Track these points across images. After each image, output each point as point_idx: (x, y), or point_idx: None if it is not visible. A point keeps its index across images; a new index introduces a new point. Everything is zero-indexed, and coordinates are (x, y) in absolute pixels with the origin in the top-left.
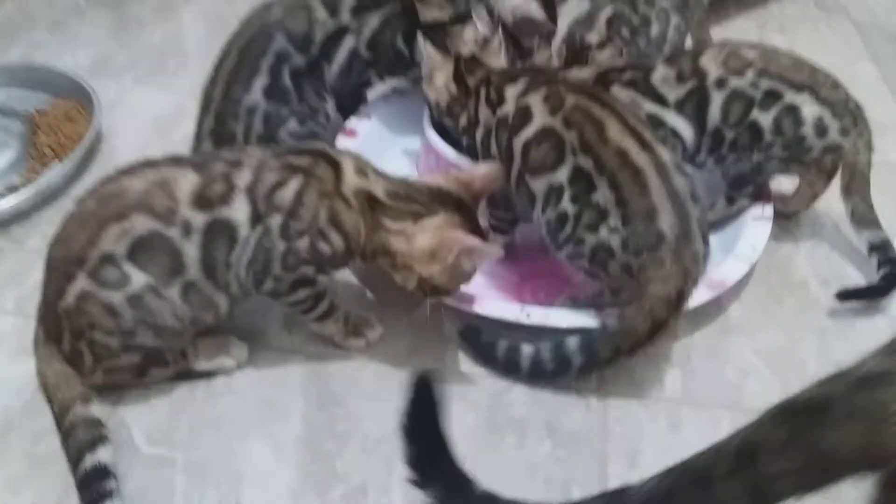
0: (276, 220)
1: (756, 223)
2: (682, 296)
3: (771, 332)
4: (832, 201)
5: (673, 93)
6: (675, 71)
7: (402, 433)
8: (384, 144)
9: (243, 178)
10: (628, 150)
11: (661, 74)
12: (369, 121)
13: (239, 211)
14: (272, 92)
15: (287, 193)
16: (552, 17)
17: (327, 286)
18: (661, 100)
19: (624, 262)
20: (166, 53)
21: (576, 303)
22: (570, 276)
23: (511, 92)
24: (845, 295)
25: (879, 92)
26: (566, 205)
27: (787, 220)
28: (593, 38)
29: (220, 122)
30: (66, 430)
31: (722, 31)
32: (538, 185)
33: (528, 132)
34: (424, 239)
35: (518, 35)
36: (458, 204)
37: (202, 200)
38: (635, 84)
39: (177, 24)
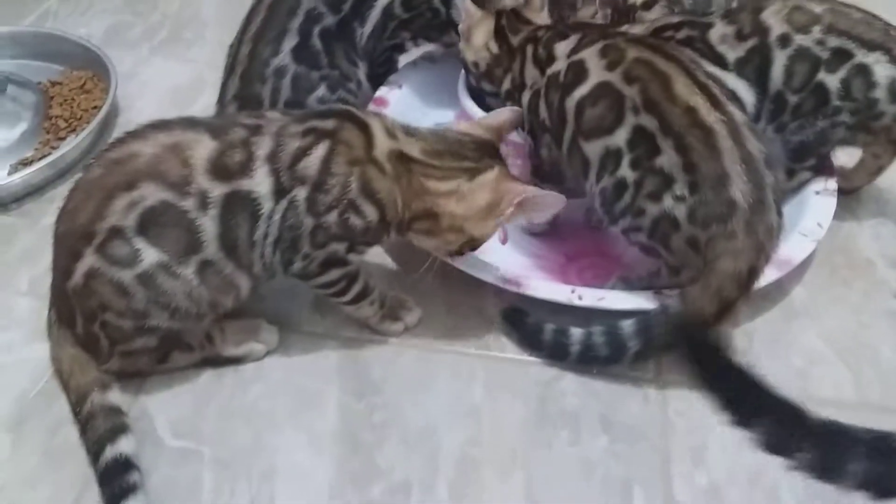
0: (301, 193)
1: (820, 198)
2: (754, 273)
3: (838, 316)
4: (894, 176)
5: (732, 52)
6: (734, 28)
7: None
8: (416, 115)
9: (264, 145)
10: (698, 108)
11: (719, 32)
12: (400, 90)
13: (261, 183)
14: (302, 54)
15: (312, 162)
16: None
17: (360, 266)
18: (719, 60)
19: (690, 234)
20: (183, 23)
21: (628, 284)
22: (619, 254)
23: (562, 48)
24: None
25: None
26: (625, 171)
27: (847, 196)
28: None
29: (245, 84)
30: (84, 420)
31: None
32: (593, 149)
33: (583, 90)
34: (483, 196)
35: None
36: (498, 152)
37: (220, 169)
38: (692, 42)
39: None
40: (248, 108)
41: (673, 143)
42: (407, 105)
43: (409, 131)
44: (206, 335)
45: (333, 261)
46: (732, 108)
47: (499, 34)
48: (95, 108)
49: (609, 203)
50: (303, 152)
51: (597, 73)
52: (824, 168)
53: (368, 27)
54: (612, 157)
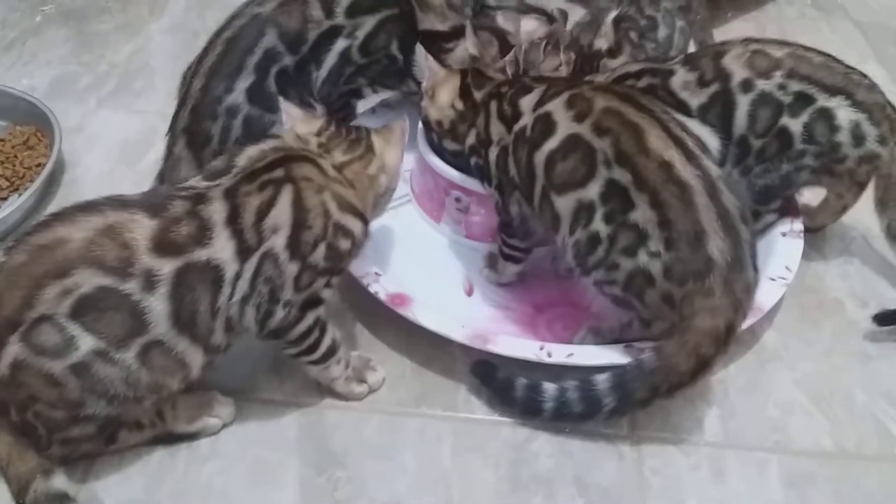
0: (278, 242)
1: (787, 240)
2: (731, 331)
3: (810, 360)
4: (858, 213)
5: (695, 98)
6: (696, 74)
7: None
8: None
9: (216, 210)
10: (673, 163)
11: (681, 78)
12: None
13: (223, 248)
14: (256, 94)
15: (281, 209)
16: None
17: (328, 317)
18: (682, 107)
19: (665, 290)
20: (132, 72)
21: (598, 334)
22: (589, 304)
23: (527, 102)
24: (884, 318)
25: (891, 94)
26: (598, 225)
27: (813, 235)
28: (601, 43)
29: (196, 119)
30: None
31: (720, 36)
32: (564, 203)
33: (552, 143)
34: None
35: (527, 60)
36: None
37: (167, 245)
38: (653, 90)
39: (143, 40)
40: (197, 144)
41: (647, 198)
42: None
43: (323, 137)
44: (156, 412)
45: (312, 301)
46: (707, 163)
47: (464, 92)
48: (39, 165)
49: (582, 256)
50: (267, 206)
51: (565, 125)
52: (790, 209)
53: (324, 71)
54: (584, 211)
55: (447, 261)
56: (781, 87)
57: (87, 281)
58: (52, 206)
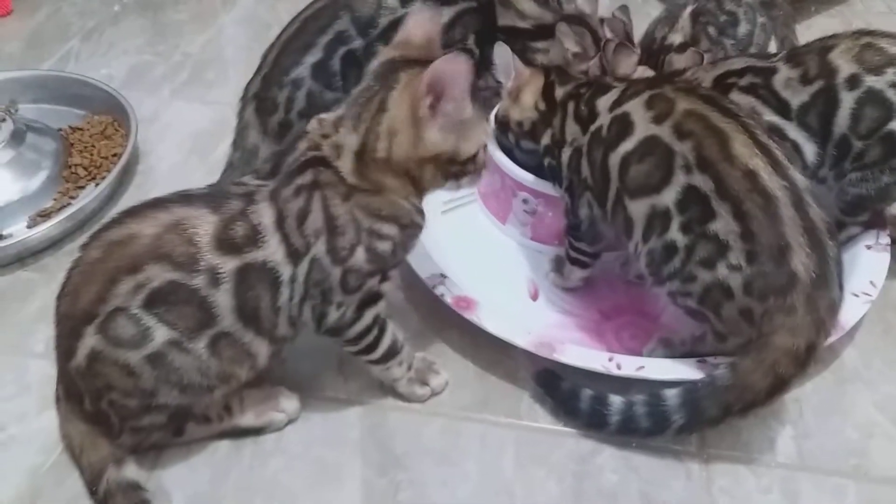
0: (320, 248)
1: (872, 253)
2: (812, 351)
3: (893, 380)
4: None
5: (797, 97)
6: (799, 71)
7: None
8: None
9: (265, 214)
10: (758, 172)
11: (783, 76)
12: None
13: (275, 252)
14: (320, 71)
15: (316, 216)
16: None
17: (389, 317)
18: (783, 107)
19: (744, 305)
20: (205, 63)
21: (669, 347)
22: (659, 313)
23: (604, 102)
24: None
25: None
26: (675, 234)
27: None
28: (676, 37)
29: (265, 86)
30: (102, 499)
31: (803, 32)
32: (638, 208)
33: (628, 145)
34: (402, 108)
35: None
36: (413, 62)
37: (227, 244)
38: (755, 89)
39: (216, 31)
40: (265, 110)
41: (730, 208)
42: None
43: (338, 124)
44: (224, 406)
45: (368, 299)
46: (794, 173)
47: (547, 92)
48: (115, 155)
49: (656, 265)
50: (304, 211)
51: (643, 126)
52: (877, 220)
53: None
54: (659, 218)
55: (512, 263)
56: (893, 85)
57: (158, 275)
58: (127, 196)
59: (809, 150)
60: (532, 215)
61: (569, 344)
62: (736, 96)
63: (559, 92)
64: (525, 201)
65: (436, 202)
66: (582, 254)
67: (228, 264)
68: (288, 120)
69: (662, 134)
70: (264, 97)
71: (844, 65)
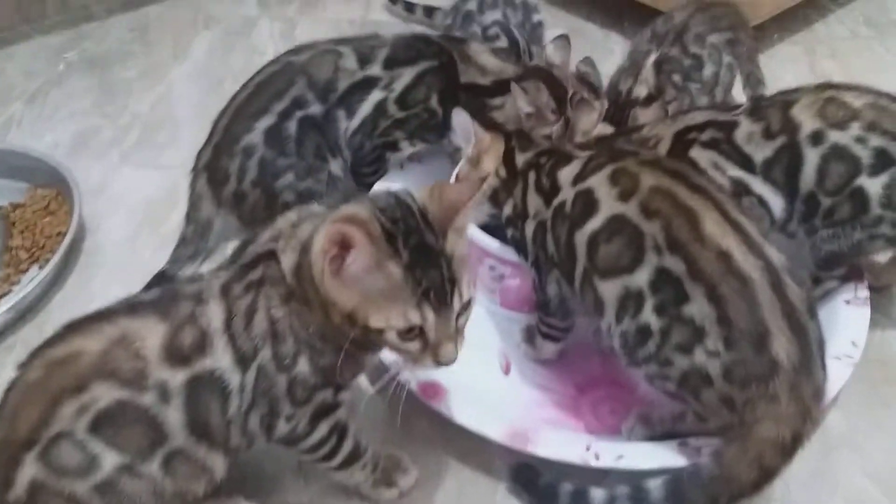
0: (266, 354)
1: (851, 308)
2: (798, 440)
3: (882, 445)
4: None
5: (760, 152)
6: (762, 125)
7: None
8: None
9: (214, 314)
10: (731, 253)
11: (746, 130)
12: None
13: (221, 358)
14: (273, 136)
15: (261, 317)
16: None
17: (349, 419)
18: (747, 162)
19: (725, 393)
20: (156, 123)
21: (649, 424)
22: (636, 384)
23: (566, 175)
24: None
25: None
26: (649, 317)
27: (878, 294)
28: (640, 90)
29: (216, 155)
30: None
31: (766, 62)
32: (609, 289)
33: (594, 223)
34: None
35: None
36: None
37: (175, 354)
38: (717, 144)
39: (166, 88)
40: (217, 181)
41: (704, 291)
42: None
43: (305, 218)
44: None
45: (322, 411)
46: (770, 251)
47: (508, 157)
48: (60, 234)
49: (631, 347)
50: (251, 310)
51: (608, 203)
52: (854, 272)
53: (356, 121)
54: (633, 299)
55: (482, 333)
56: (859, 139)
57: (105, 395)
58: (73, 277)
59: (777, 204)
60: (500, 282)
61: (545, 428)
62: (697, 152)
63: (520, 159)
64: (492, 268)
65: None
66: (553, 328)
67: (178, 377)
68: (241, 190)
69: (629, 213)
70: (216, 167)
71: (807, 120)
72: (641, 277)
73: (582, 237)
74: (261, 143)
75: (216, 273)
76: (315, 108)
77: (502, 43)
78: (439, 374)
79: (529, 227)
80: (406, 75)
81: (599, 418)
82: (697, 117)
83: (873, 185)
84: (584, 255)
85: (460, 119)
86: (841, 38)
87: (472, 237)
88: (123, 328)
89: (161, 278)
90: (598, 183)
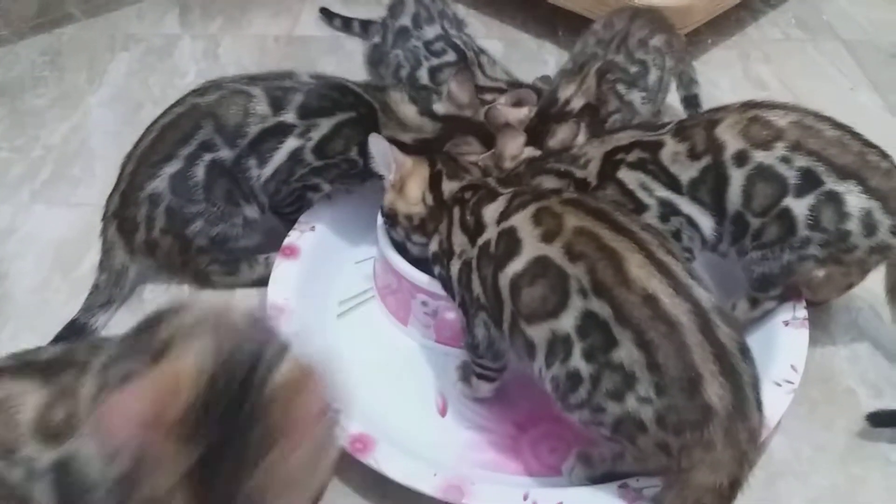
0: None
1: (790, 330)
2: (736, 485)
3: (825, 470)
4: (867, 283)
5: (685, 172)
6: (686, 145)
7: None
8: (335, 259)
9: (87, 389)
10: (658, 296)
11: (670, 150)
12: (313, 232)
13: (85, 444)
14: (179, 183)
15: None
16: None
17: None
18: (673, 182)
19: (660, 439)
20: (70, 156)
21: (589, 464)
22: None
23: (490, 213)
24: (878, 420)
25: (887, 124)
26: (578, 362)
27: (816, 309)
28: (579, 101)
29: (123, 203)
30: None
31: (702, 68)
32: (537, 333)
33: (517, 265)
34: None
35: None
36: None
37: (47, 428)
38: (644, 164)
39: (81, 116)
40: (126, 231)
41: (632, 336)
42: (323, 249)
43: None
44: None
45: None
46: (698, 292)
47: (434, 183)
48: None
49: (562, 393)
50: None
51: (532, 244)
52: (791, 292)
53: (269, 169)
54: (561, 344)
55: (417, 371)
56: (784, 160)
57: None
58: None
59: (706, 224)
60: (434, 317)
61: (481, 477)
62: (625, 172)
63: (446, 187)
64: (424, 303)
65: (330, 303)
66: (486, 369)
67: (45, 457)
68: (152, 238)
69: (553, 255)
70: (124, 216)
71: (731, 140)
72: (567, 322)
73: (505, 279)
74: (167, 190)
75: (113, 340)
76: (224, 153)
77: (450, 57)
78: (370, 423)
79: (455, 267)
80: (323, 126)
81: (539, 458)
82: (624, 138)
83: (799, 206)
84: (509, 297)
85: (378, 145)
86: (774, 41)
87: (402, 272)
88: (7, 390)
89: (72, 328)
90: (522, 222)
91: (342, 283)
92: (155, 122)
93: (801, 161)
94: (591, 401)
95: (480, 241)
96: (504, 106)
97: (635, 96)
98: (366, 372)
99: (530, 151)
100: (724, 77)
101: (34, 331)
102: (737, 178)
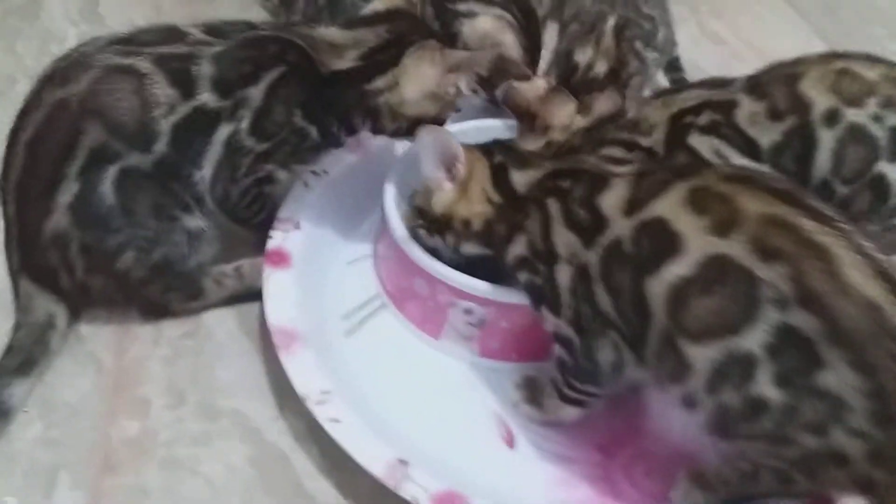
0: None
1: None
2: None
3: None
4: None
5: (766, 136)
6: (765, 104)
7: None
8: (325, 262)
9: None
10: (880, 304)
11: (746, 110)
12: (299, 230)
13: None
14: (84, 213)
15: None
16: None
17: None
18: (752, 147)
19: (863, 475)
20: None
21: (707, 488)
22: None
23: (611, 201)
24: None
25: None
26: (764, 388)
27: None
28: (601, 65)
29: (27, 254)
30: None
31: None
32: (704, 353)
33: (680, 267)
34: None
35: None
36: None
37: None
38: (717, 128)
39: None
40: (45, 279)
41: (846, 356)
42: (315, 248)
43: None
44: None
45: None
46: None
47: (498, 177)
48: None
49: (728, 423)
50: None
51: (699, 239)
52: None
53: (208, 170)
54: (738, 366)
55: (463, 394)
56: (876, 118)
57: None
58: None
59: None
60: (479, 327)
61: None
62: (696, 138)
63: (519, 179)
64: (468, 311)
65: (331, 318)
66: (585, 395)
67: None
68: (80, 282)
69: (735, 253)
70: (35, 267)
71: (819, 97)
72: (753, 339)
73: (658, 286)
74: (71, 225)
75: None
76: (134, 160)
77: None
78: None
79: (563, 274)
80: (252, 97)
81: (637, 486)
82: (689, 98)
83: (893, 172)
84: (665, 311)
85: (429, 137)
86: None
87: (439, 275)
88: None
89: None
90: (673, 209)
91: (340, 292)
92: (12, 137)
93: (894, 119)
94: (776, 432)
95: (604, 239)
96: (519, 83)
97: (651, 55)
98: (402, 405)
99: (580, 120)
100: (680, 33)
101: None
102: (826, 140)
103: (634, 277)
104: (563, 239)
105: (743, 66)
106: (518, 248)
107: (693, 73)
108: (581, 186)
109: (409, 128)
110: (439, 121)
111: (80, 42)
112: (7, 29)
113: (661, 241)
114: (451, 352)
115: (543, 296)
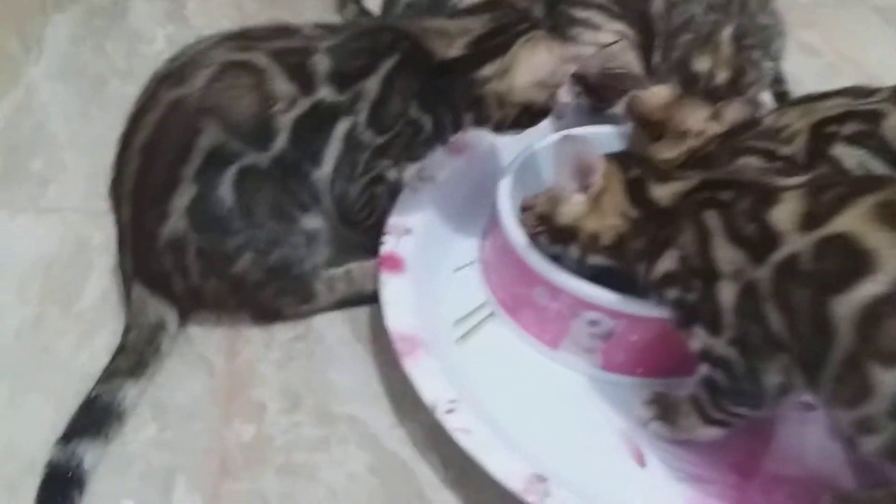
0: None
1: None
2: None
3: None
4: None
5: None
6: None
7: None
8: (435, 268)
9: None
10: None
11: (894, 122)
12: (411, 236)
13: None
14: (203, 216)
15: None
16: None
17: None
18: None
19: None
20: (23, 144)
21: None
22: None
23: (784, 215)
24: None
25: None
26: None
27: None
28: (721, 73)
29: (141, 259)
30: None
31: None
32: (893, 378)
33: (874, 287)
34: None
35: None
36: None
37: None
38: (862, 139)
39: (24, 92)
40: (158, 284)
41: None
42: (425, 254)
43: None
44: None
45: None
46: None
47: (636, 190)
48: None
49: None
50: None
51: (894, 257)
52: None
53: (328, 167)
54: None
55: (585, 409)
56: None
57: None
58: None
59: None
60: (605, 340)
61: None
62: (841, 149)
63: (661, 192)
64: (594, 323)
65: (443, 325)
66: (735, 416)
67: None
68: (192, 286)
69: None
70: (148, 272)
71: None
72: None
73: (845, 307)
74: (188, 229)
75: None
76: (253, 159)
77: None
78: (588, 494)
79: (726, 292)
80: (369, 89)
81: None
82: (832, 107)
83: None
84: (852, 333)
85: (568, 147)
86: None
87: (564, 286)
88: None
89: (90, 411)
90: (859, 226)
91: (451, 298)
92: (125, 141)
93: None
94: None
95: (777, 257)
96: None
97: (767, 64)
98: (523, 416)
99: (715, 126)
100: None
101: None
102: None
103: (816, 297)
104: (727, 254)
105: (842, 79)
106: (667, 264)
107: (793, 86)
108: (746, 199)
109: (515, 117)
110: (546, 110)
111: (170, 45)
112: (94, 29)
113: (849, 259)
114: (570, 363)
115: (697, 314)
